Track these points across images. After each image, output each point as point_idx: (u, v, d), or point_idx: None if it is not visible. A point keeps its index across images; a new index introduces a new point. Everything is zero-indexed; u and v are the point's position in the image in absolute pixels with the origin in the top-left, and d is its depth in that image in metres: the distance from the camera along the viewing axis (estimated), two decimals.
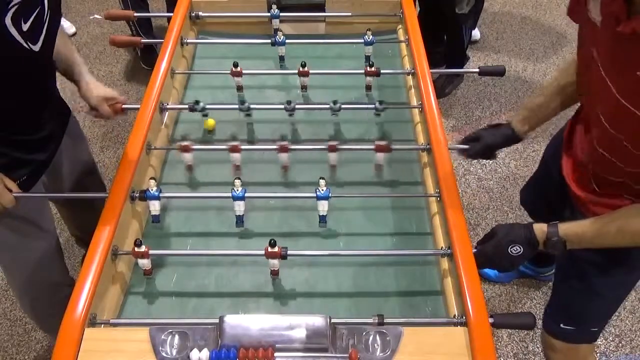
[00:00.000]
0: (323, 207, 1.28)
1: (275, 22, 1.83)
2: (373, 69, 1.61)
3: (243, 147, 1.41)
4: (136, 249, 1.15)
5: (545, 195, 1.56)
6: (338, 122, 1.58)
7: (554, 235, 1.13)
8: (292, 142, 1.44)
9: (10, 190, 1.23)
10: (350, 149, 1.45)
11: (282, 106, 1.49)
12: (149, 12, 3.09)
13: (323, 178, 1.25)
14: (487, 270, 2.17)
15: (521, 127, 1.43)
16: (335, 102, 1.49)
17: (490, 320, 1.04)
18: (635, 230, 1.07)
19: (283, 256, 1.14)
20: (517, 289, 2.21)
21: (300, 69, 1.61)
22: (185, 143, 1.40)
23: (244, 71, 1.61)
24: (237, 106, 1.51)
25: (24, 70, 1.19)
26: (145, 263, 1.19)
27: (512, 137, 1.44)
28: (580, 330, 1.42)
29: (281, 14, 1.81)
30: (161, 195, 1.25)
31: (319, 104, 1.59)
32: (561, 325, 1.43)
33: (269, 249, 1.14)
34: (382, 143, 1.40)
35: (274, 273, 1.20)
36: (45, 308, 1.56)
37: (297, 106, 1.49)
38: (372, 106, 1.51)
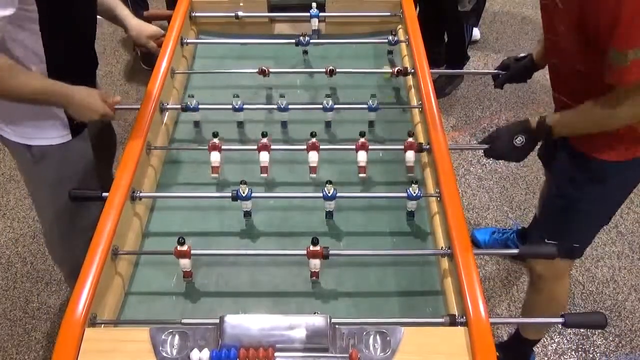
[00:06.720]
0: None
1: (314, 22, 1.83)
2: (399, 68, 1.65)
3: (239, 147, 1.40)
4: (179, 247, 1.13)
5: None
6: (336, 121, 1.59)
7: (543, 120, 1.36)
8: (288, 142, 1.44)
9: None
10: (341, 148, 1.45)
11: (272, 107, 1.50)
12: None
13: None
14: (478, 236, 2.32)
15: (537, 54, 1.67)
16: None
17: (561, 320, 1.05)
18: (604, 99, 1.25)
19: (325, 256, 1.15)
20: (517, 288, 2.21)
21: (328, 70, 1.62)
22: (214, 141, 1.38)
23: (244, 71, 1.61)
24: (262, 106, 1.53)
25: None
26: (186, 264, 1.17)
27: (531, 66, 1.71)
28: (562, 245, 1.47)
29: (280, 14, 1.81)
30: (160, 195, 1.23)
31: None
32: (545, 240, 1.56)
33: (311, 248, 1.14)
34: (412, 140, 1.40)
35: (314, 275, 1.19)
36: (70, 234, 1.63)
37: (334, 106, 1.52)
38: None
